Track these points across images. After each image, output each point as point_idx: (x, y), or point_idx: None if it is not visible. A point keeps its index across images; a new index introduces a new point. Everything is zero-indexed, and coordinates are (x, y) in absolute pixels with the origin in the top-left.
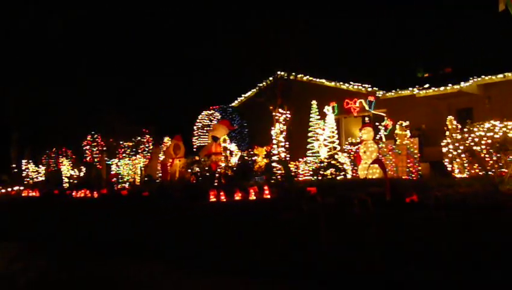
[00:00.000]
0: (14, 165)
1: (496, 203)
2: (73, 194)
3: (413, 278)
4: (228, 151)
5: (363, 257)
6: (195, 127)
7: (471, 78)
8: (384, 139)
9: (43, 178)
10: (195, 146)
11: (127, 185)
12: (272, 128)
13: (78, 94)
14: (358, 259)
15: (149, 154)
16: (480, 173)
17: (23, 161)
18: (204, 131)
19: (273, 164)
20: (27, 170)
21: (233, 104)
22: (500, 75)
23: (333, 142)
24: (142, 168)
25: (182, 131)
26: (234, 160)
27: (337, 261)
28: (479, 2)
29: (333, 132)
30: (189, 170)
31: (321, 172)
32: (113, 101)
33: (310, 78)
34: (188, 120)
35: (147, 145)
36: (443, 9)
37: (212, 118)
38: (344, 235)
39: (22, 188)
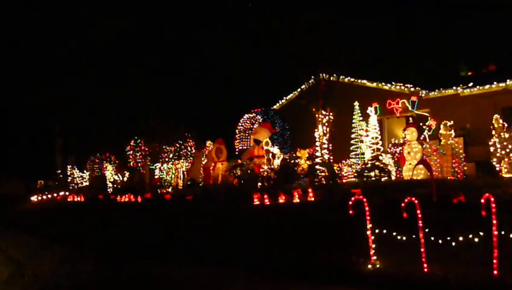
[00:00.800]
0: (59, 171)
1: None
2: (118, 198)
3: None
4: (270, 154)
5: (411, 260)
6: (237, 131)
7: None
8: (428, 140)
9: (88, 183)
10: (237, 149)
11: (170, 189)
12: (315, 130)
13: (122, 99)
14: (406, 261)
15: (191, 158)
16: None
17: (68, 167)
18: (246, 134)
19: (316, 166)
20: (72, 176)
21: (274, 107)
22: None
23: (377, 143)
24: (185, 172)
25: (223, 135)
26: (277, 163)
27: (383, 265)
28: None
29: (376, 133)
30: (232, 174)
31: (365, 174)
32: (156, 106)
33: (352, 79)
34: (229, 124)
35: (189, 149)
36: (484, 5)
37: (253, 121)
38: (392, 238)
39: (67, 193)
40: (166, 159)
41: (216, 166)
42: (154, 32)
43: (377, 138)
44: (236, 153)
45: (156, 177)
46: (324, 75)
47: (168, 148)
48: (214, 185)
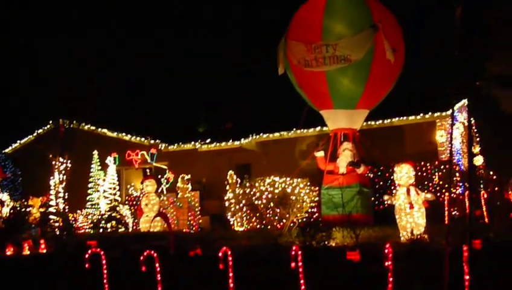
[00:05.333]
0: None
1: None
2: None
3: None
4: None
5: None
6: None
7: (250, 135)
8: (165, 192)
9: None
10: None
11: None
12: (51, 177)
13: None
14: None
15: None
16: (258, 226)
17: None
18: None
19: (50, 216)
20: None
21: (6, 150)
22: (277, 134)
23: (114, 194)
24: None
25: None
26: (6, 211)
27: None
28: (258, 64)
29: (114, 184)
30: None
31: (102, 225)
32: None
33: (93, 128)
34: None
35: None
36: (222, 65)
37: None
38: None
39: None
40: None
41: None
42: None
43: (115, 188)
44: None
45: None
46: (64, 121)
47: None
48: None
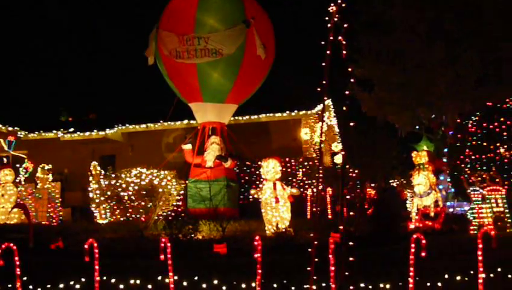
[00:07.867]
0: None
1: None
2: None
3: None
4: None
5: None
6: None
7: (116, 125)
8: (23, 182)
9: None
10: None
11: None
12: None
13: None
14: None
15: None
16: (123, 219)
17: None
18: None
19: None
20: None
21: None
22: (143, 125)
23: None
24: None
25: None
26: None
27: None
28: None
29: None
30: None
31: None
32: None
33: None
34: None
35: None
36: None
37: None
38: None
39: None
40: None
41: None
42: None
43: None
44: None
45: None
46: None
47: None
48: None
